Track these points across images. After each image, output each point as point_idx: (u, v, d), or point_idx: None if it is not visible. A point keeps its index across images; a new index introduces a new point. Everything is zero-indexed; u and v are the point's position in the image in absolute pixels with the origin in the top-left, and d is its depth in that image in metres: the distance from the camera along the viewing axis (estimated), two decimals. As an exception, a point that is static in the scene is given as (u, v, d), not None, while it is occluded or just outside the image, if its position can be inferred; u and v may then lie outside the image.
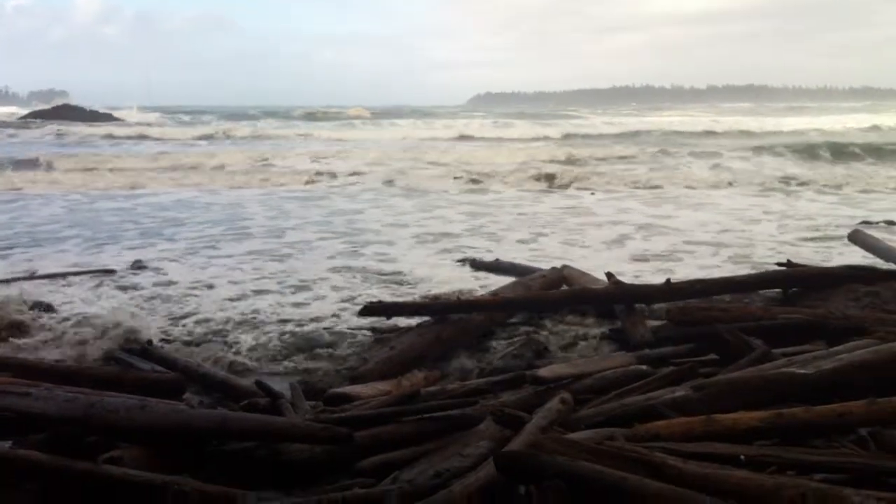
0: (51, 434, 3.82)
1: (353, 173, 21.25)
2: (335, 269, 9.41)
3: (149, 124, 49.96)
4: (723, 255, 10.15)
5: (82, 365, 5.71)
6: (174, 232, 12.43)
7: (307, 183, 19.85)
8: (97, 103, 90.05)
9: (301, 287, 8.56)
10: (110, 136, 37.23)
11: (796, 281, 6.97)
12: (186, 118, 52.65)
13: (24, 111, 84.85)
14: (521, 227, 12.76)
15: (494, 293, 7.09)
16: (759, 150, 26.58)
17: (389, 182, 19.69)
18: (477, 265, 9.45)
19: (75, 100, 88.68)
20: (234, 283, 8.81)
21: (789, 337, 5.25)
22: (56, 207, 15.14)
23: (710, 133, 37.87)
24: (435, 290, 7.94)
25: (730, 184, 19.06)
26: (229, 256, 10.40)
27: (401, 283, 8.67)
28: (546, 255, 10.02)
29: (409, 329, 6.22)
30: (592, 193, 17.59)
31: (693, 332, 5.60)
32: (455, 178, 19.97)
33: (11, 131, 40.85)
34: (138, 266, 9.56)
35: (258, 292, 8.32)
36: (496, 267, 9.19)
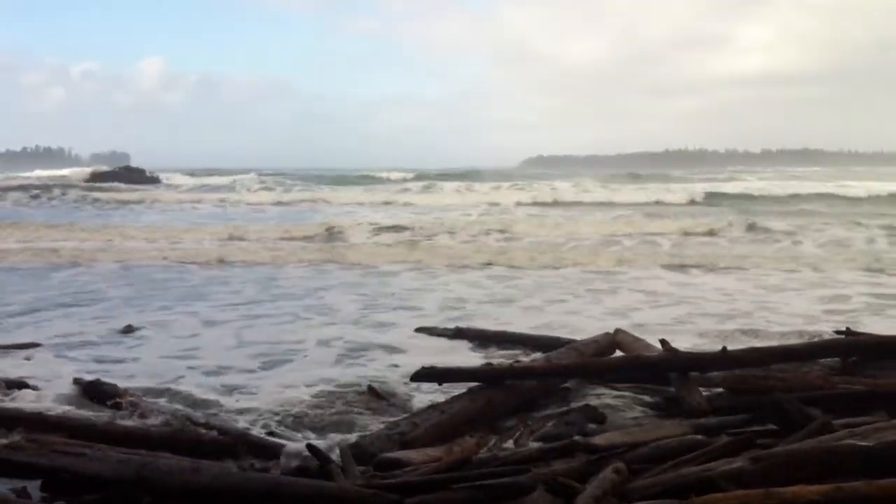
0: (105, 495, 3.87)
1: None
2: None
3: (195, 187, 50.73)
4: None
5: (136, 426, 5.79)
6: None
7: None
8: (156, 166, 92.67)
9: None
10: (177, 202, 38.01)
11: (856, 350, 6.81)
12: (255, 185, 53.21)
13: (87, 170, 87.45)
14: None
15: (547, 358, 7.05)
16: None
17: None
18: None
19: (136, 162, 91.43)
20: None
21: (850, 407, 5.13)
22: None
23: (825, 196, 34.83)
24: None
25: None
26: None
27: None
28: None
29: (460, 394, 6.19)
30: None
31: (750, 401, 5.49)
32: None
33: (59, 192, 41.92)
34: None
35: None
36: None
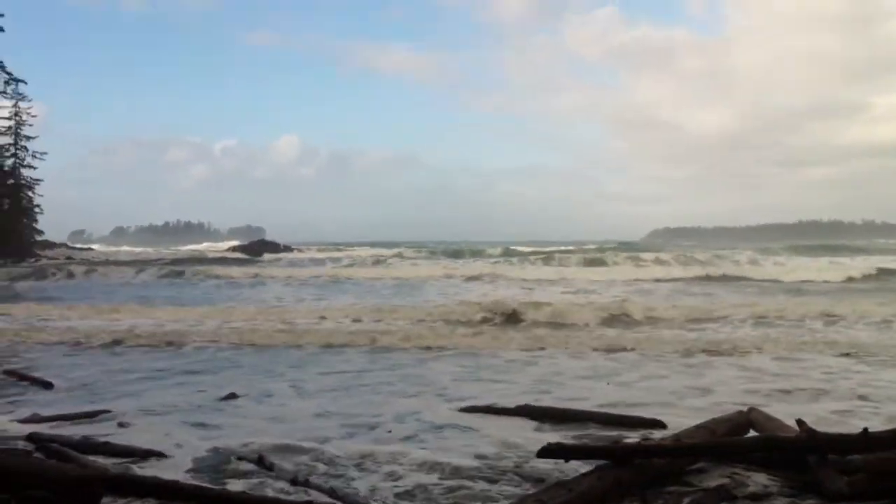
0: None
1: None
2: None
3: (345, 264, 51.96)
4: None
5: (269, 497, 6.00)
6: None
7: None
8: (290, 239, 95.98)
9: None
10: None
11: None
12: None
13: (224, 245, 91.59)
14: None
15: (677, 437, 6.94)
16: None
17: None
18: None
19: (269, 236, 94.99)
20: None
21: None
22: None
23: None
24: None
25: None
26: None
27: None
28: None
29: (588, 472, 6.15)
30: None
31: (893, 486, 5.28)
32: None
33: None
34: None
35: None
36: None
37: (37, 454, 7.10)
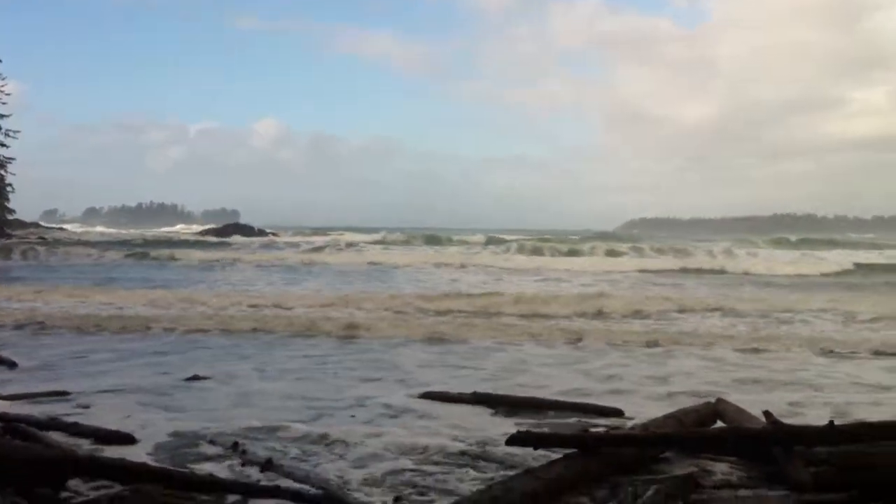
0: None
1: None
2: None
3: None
4: None
5: (235, 479, 5.96)
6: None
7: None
8: (266, 223, 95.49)
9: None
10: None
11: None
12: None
13: (197, 228, 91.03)
14: None
15: (645, 427, 6.94)
16: None
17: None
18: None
19: (245, 219, 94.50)
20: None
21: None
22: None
23: None
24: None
25: None
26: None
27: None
28: None
29: (555, 460, 6.13)
30: None
31: (857, 478, 5.30)
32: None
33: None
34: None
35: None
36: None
37: (3, 435, 7.00)
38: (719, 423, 7.30)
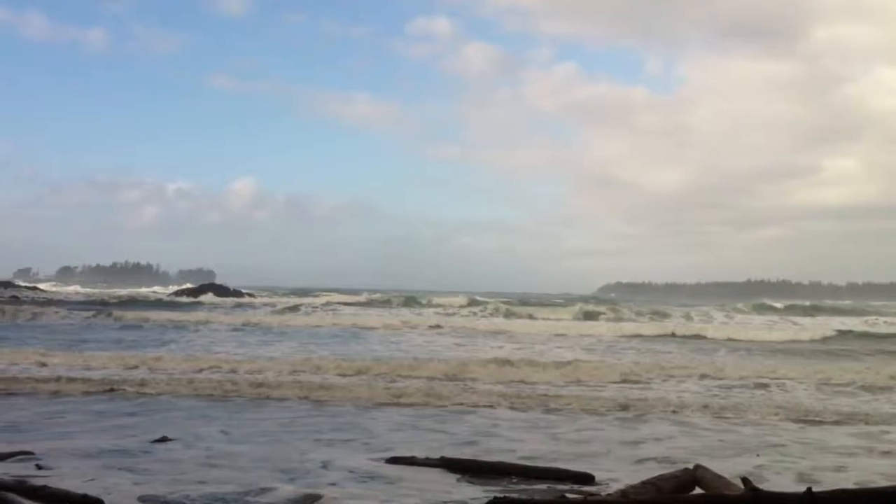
0: None
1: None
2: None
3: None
4: None
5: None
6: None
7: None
8: (242, 283, 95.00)
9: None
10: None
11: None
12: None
13: (172, 288, 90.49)
14: None
15: (624, 493, 6.82)
16: None
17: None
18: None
19: (221, 279, 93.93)
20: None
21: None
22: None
23: None
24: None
25: None
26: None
27: None
28: None
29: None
30: None
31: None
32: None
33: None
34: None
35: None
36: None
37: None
38: (698, 490, 7.19)
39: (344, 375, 17.94)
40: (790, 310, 59.85)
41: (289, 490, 7.71)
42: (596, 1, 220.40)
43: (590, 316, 46.91)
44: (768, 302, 66.97)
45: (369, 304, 61.52)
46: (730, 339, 32.52)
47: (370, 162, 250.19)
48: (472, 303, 57.64)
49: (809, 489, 6.26)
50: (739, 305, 62.98)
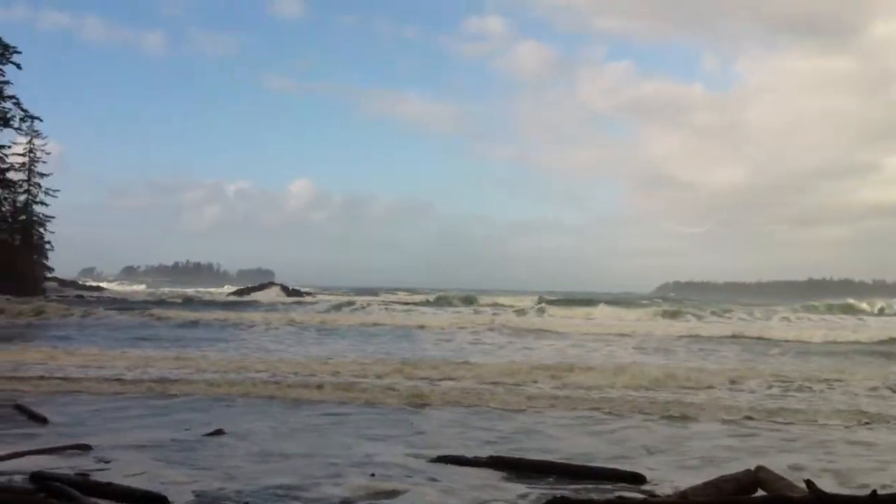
0: None
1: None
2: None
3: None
4: None
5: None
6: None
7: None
8: (300, 282, 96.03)
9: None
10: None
11: None
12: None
13: (234, 288, 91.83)
14: None
15: (683, 494, 6.75)
16: None
17: None
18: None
19: (279, 279, 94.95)
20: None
21: None
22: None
23: None
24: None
25: None
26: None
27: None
28: None
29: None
30: None
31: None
32: None
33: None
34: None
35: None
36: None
37: (39, 494, 7.03)
38: (760, 492, 7.07)
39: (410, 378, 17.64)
40: (848, 309, 57.93)
41: (337, 487, 7.85)
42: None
43: (670, 315, 46.39)
44: (851, 301, 64.11)
45: (434, 303, 61.81)
46: (800, 342, 30.89)
47: (424, 161, 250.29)
48: (540, 300, 57.53)
49: (874, 492, 6.12)
50: (816, 304, 60.33)
